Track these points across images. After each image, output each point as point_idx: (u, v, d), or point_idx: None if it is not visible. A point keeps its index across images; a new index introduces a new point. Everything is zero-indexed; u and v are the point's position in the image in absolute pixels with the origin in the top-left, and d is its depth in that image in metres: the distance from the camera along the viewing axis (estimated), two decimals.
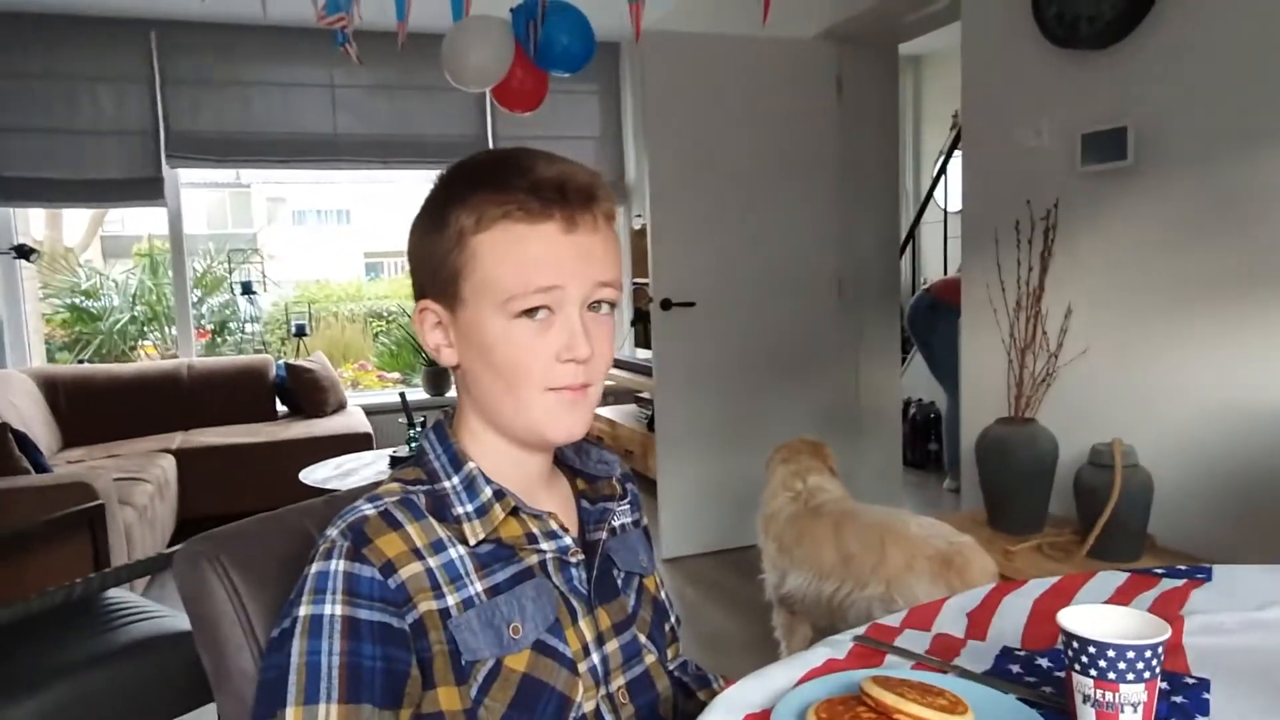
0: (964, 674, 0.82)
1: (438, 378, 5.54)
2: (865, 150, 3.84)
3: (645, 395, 4.81)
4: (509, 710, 0.73)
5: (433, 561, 0.75)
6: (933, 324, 4.14)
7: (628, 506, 0.96)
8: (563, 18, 3.00)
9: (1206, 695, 0.78)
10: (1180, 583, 1.04)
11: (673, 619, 0.98)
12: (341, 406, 4.96)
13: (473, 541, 0.78)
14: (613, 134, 5.65)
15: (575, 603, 0.81)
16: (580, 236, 0.77)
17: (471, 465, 0.82)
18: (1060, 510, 2.49)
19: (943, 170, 5.31)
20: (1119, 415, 2.42)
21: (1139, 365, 2.38)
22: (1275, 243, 2.04)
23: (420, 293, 0.82)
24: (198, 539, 0.84)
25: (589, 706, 0.78)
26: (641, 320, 5.26)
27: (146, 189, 4.81)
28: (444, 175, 0.81)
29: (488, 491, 0.80)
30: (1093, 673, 0.70)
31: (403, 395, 3.75)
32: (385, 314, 8.12)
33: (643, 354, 5.09)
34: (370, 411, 4.99)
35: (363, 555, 0.72)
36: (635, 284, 5.37)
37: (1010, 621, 0.95)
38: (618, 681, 0.83)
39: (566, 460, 0.93)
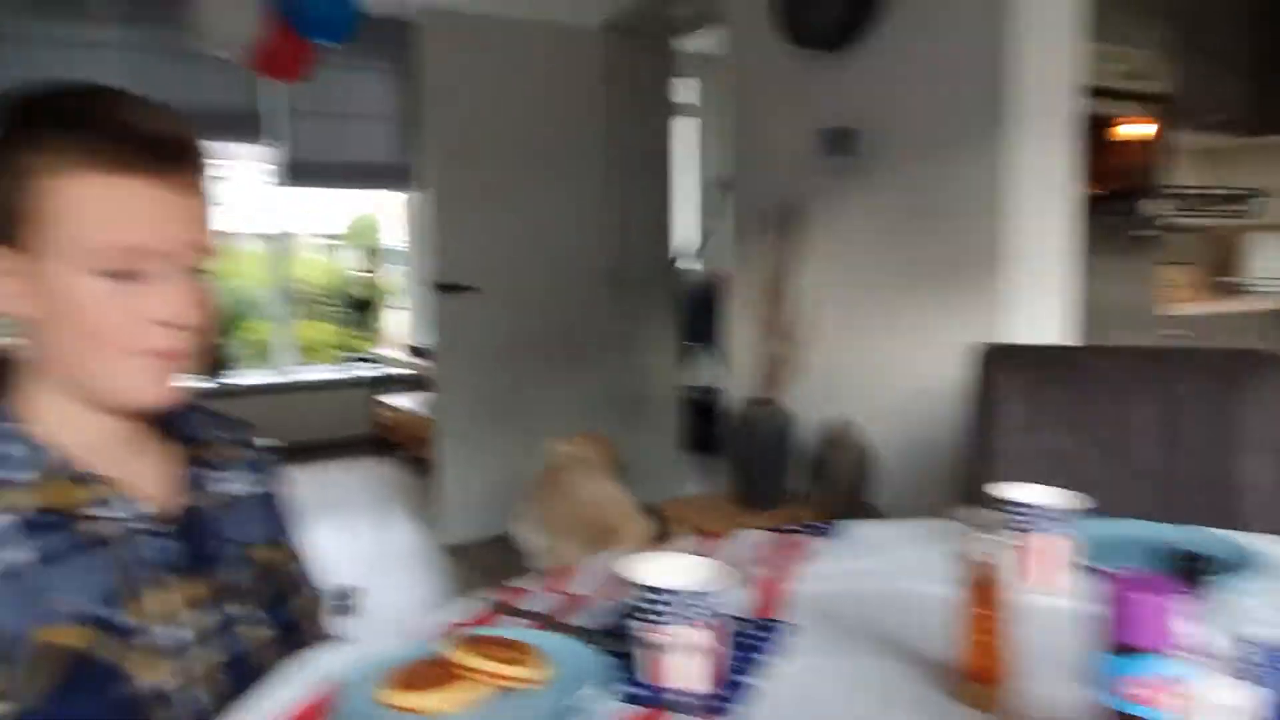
0: (566, 630, 0.85)
1: (215, 362, 5.19)
2: (639, 143, 3.91)
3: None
4: (60, 689, 0.68)
5: None
6: (706, 313, 4.29)
7: (247, 474, 0.92)
8: None
9: (789, 637, 0.84)
10: (811, 538, 1.13)
11: (311, 593, 0.95)
12: None
13: (22, 511, 0.72)
14: (411, 116, 5.47)
15: (154, 574, 0.77)
16: (175, 195, 0.73)
17: (20, 427, 0.75)
18: (802, 487, 2.64)
19: None
20: (850, 395, 2.59)
21: (864, 348, 2.56)
22: (961, 241, 2.25)
23: None
24: None
25: (173, 684, 0.74)
26: None
27: None
28: (17, 105, 0.74)
29: (44, 459, 0.74)
30: (651, 619, 0.73)
31: None
32: None
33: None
34: None
35: None
36: None
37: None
38: (212, 657, 0.79)
39: (180, 425, 0.87)
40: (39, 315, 0.74)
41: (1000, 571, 0.71)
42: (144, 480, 0.80)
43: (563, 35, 3.62)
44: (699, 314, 4.40)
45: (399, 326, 6.16)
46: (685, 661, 0.73)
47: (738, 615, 0.89)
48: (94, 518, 0.75)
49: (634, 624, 0.74)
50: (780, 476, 2.59)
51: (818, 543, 1.11)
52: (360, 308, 6.37)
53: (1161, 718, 0.45)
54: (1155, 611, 0.45)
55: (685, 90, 4.97)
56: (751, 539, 1.12)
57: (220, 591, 0.82)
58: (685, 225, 4.97)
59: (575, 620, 0.88)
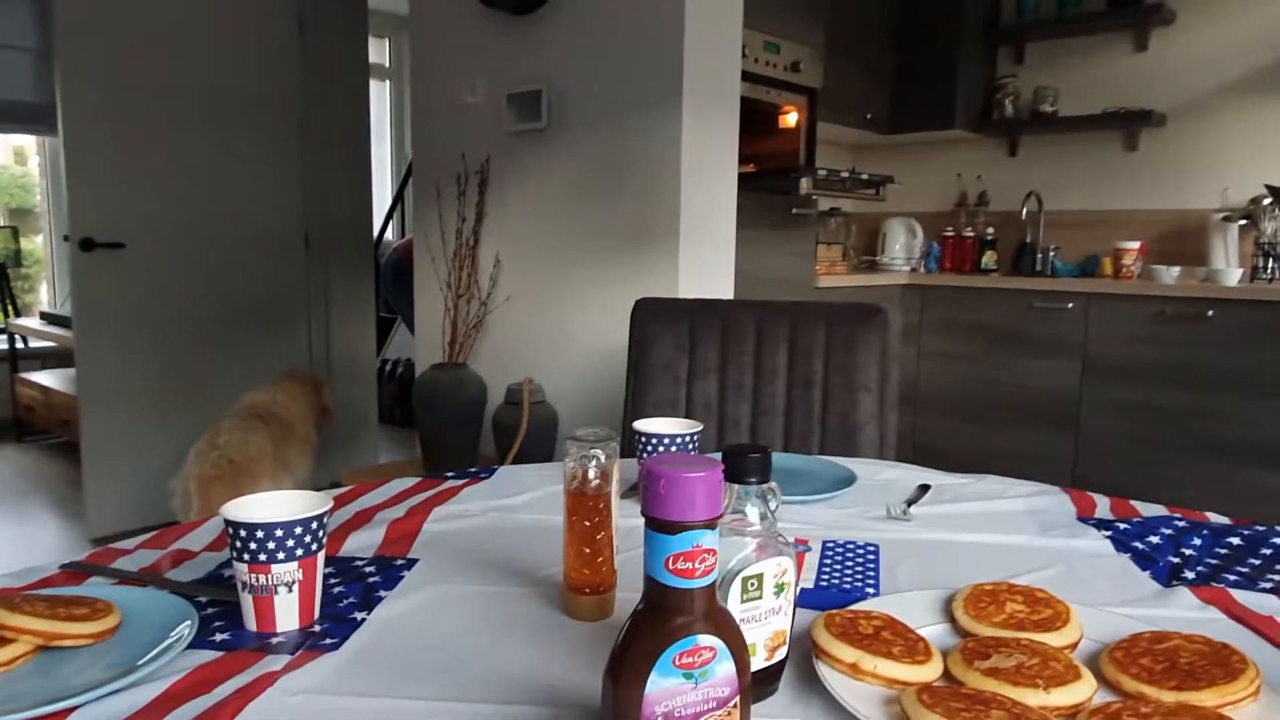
0: (159, 584, 0.76)
1: None
2: (333, 103, 3.68)
3: None
4: None
5: None
6: (399, 283, 4.18)
7: None
8: None
9: (408, 572, 0.82)
10: (462, 482, 1.11)
11: None
12: None
13: None
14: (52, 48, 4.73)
15: None
16: None
17: None
18: (492, 448, 2.63)
19: None
20: (536, 357, 2.62)
21: (549, 310, 2.60)
22: (644, 204, 2.35)
23: None
24: None
25: None
26: None
27: None
28: None
29: None
30: (245, 558, 0.68)
31: None
32: None
33: None
34: None
35: None
36: None
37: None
38: None
39: None
40: None
41: (596, 485, 0.74)
42: None
43: None
44: (395, 285, 4.26)
45: (40, 296, 5.36)
46: (285, 599, 0.68)
47: (355, 556, 0.85)
48: None
49: (237, 566, 0.68)
50: (470, 440, 2.57)
51: (468, 486, 1.09)
52: None
53: (695, 585, 0.49)
54: (689, 487, 0.47)
55: (376, 51, 4.76)
56: (401, 487, 1.08)
57: None
58: (379, 193, 4.78)
59: (173, 575, 0.80)
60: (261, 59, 3.40)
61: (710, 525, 0.48)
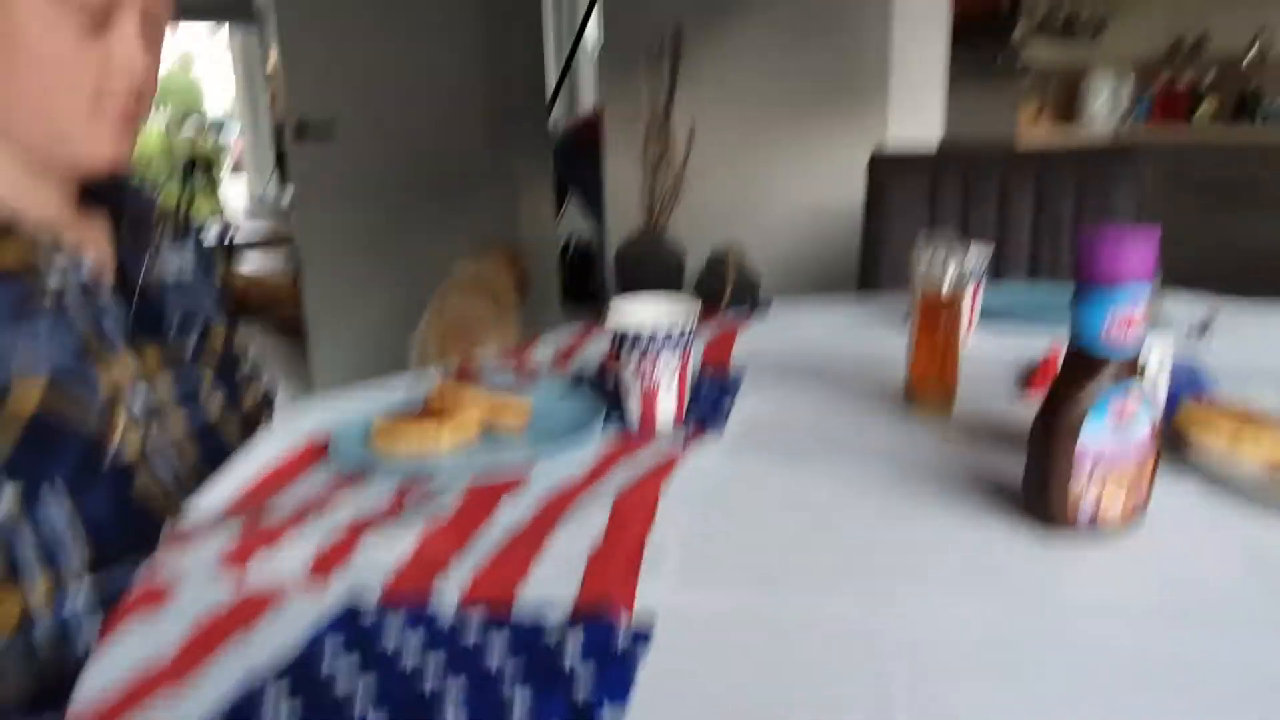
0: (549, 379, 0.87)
1: None
2: None
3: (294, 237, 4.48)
4: (16, 453, 0.64)
5: None
6: (573, 166, 4.24)
7: (185, 254, 0.87)
8: None
9: (740, 382, 0.90)
10: (739, 316, 1.18)
11: (246, 369, 0.92)
12: None
13: None
14: None
15: (109, 339, 0.73)
16: None
17: None
18: None
19: (590, 9, 5.31)
20: (735, 221, 2.65)
21: (748, 174, 2.61)
22: (850, 55, 2.29)
23: None
24: None
25: (132, 452, 0.72)
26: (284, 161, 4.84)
27: None
28: None
29: None
30: (629, 360, 0.76)
31: None
32: None
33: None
34: None
35: None
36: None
37: (590, 357, 1.01)
38: (176, 429, 0.77)
39: (119, 200, 0.82)
40: None
41: (947, 290, 0.78)
42: (88, 248, 0.75)
43: None
44: (566, 163, 4.33)
45: (238, 190, 5.77)
46: (665, 396, 0.77)
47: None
48: (46, 277, 0.70)
49: (617, 367, 0.77)
50: None
51: (750, 320, 1.16)
52: (194, 173, 5.89)
53: (1129, 350, 0.53)
54: (1123, 249, 0.51)
55: None
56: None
57: (172, 362, 0.79)
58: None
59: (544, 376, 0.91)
60: None
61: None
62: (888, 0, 2.20)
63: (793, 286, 2.54)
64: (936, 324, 0.79)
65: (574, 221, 5.05)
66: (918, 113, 2.33)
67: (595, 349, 1.03)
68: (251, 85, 5.02)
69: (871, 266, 1.59)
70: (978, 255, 1.02)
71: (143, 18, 0.70)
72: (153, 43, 0.72)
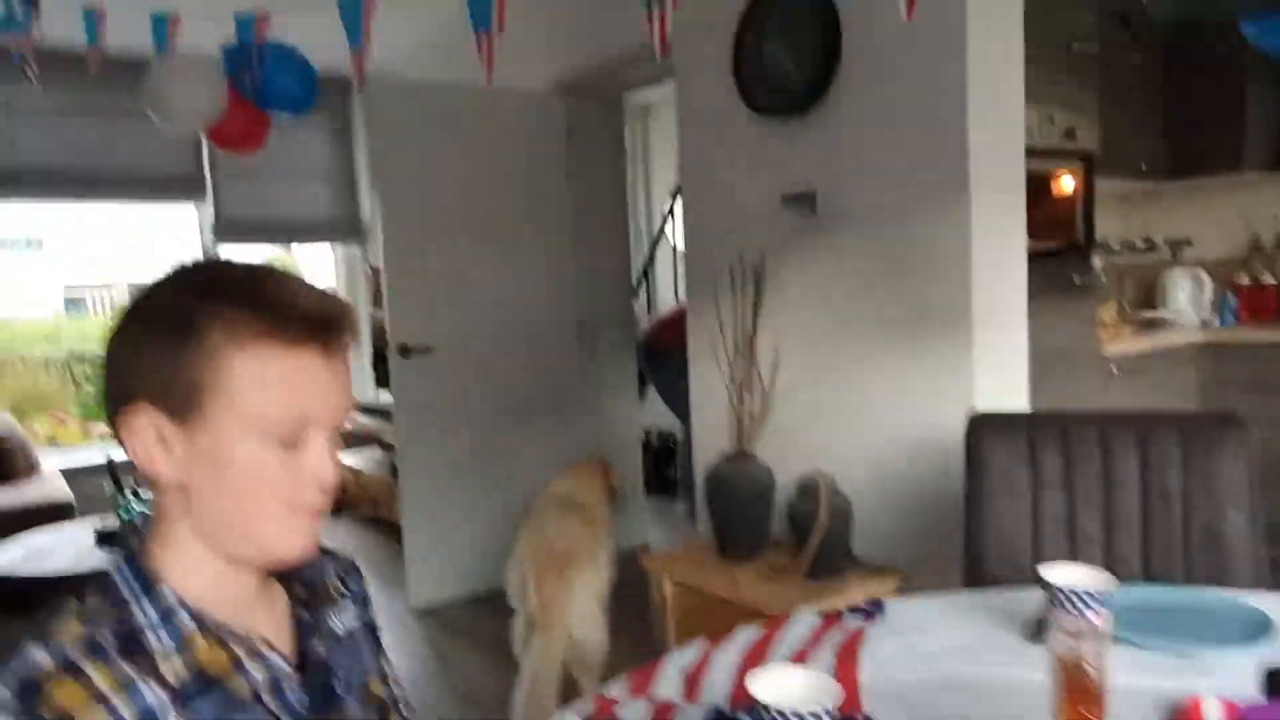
0: None
1: None
2: (596, 195, 4.01)
3: (388, 440, 4.67)
4: None
5: (124, 709, 0.70)
6: (654, 367, 4.39)
7: (351, 609, 0.95)
8: (279, 58, 2.87)
9: None
10: (859, 621, 1.20)
11: (401, 710, 0.98)
12: (34, 470, 4.38)
13: (173, 681, 0.74)
14: (345, 171, 5.45)
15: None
16: (335, 365, 0.79)
17: (167, 592, 0.77)
18: (777, 535, 2.73)
19: (671, 210, 5.63)
20: (821, 445, 2.70)
21: (835, 399, 2.68)
22: (930, 295, 2.38)
23: (126, 396, 0.76)
24: None
25: None
26: (382, 361, 5.10)
27: None
28: (185, 278, 0.78)
29: (187, 622, 0.76)
30: None
31: (110, 462, 3.37)
32: (89, 357, 7.27)
33: (385, 396, 4.94)
34: (72, 474, 4.43)
35: (37, 715, 0.66)
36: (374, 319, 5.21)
37: (719, 680, 1.05)
38: None
39: (293, 569, 0.90)
40: (195, 479, 0.76)
41: (1088, 664, 0.80)
42: (271, 629, 0.83)
43: (517, 98, 3.68)
44: (647, 361, 4.49)
45: None
46: None
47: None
48: (239, 676, 0.77)
49: None
50: (762, 529, 2.68)
51: (870, 627, 1.18)
52: None
53: None
54: None
55: None
56: (809, 628, 1.19)
57: None
58: None
59: None
60: (538, 168, 3.77)
61: None
62: (967, 237, 2.31)
63: (886, 518, 2.55)
64: (1082, 695, 0.80)
65: (654, 410, 5.16)
66: (1001, 336, 2.39)
67: (722, 667, 1.06)
68: (353, 292, 5.38)
69: (976, 531, 1.60)
70: (1099, 584, 1.03)
71: (329, 432, 0.80)
72: (335, 446, 0.81)
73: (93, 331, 8.21)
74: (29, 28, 3.30)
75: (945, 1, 2.26)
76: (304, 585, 0.91)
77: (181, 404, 0.75)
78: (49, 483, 4.23)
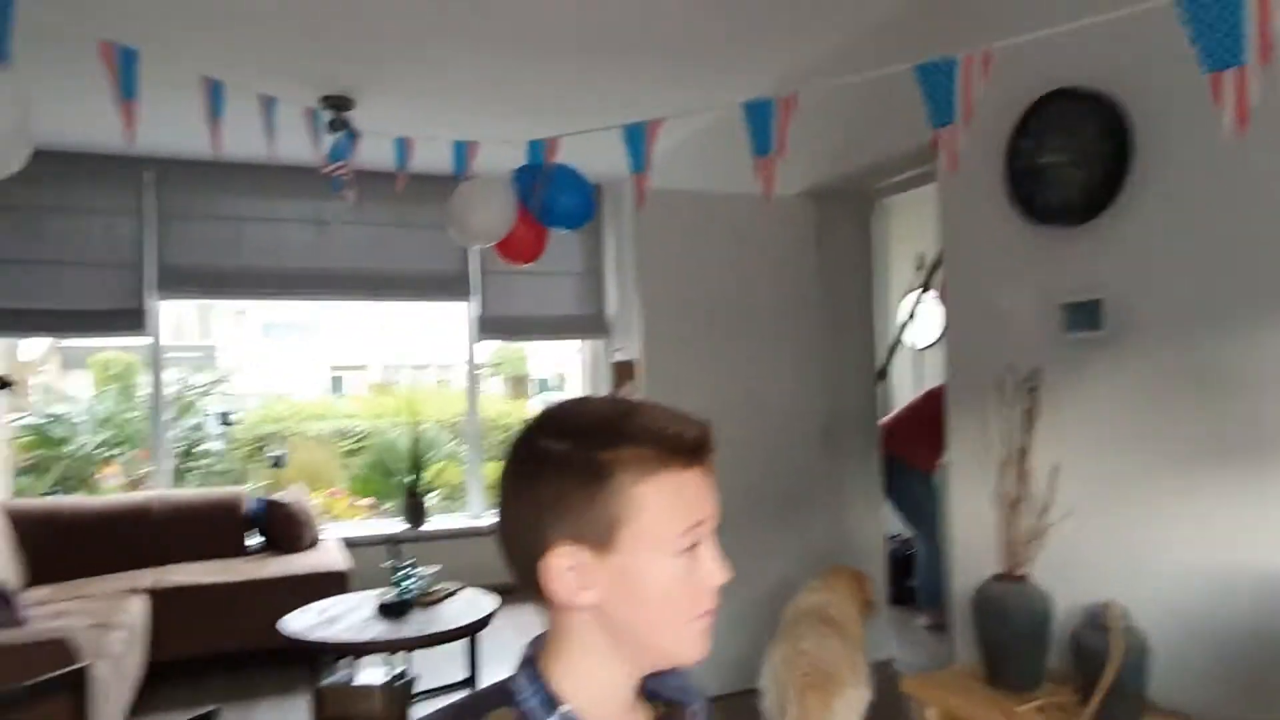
0: None
1: (416, 507, 5.48)
2: (843, 296, 4.02)
3: None
4: None
5: None
6: (888, 477, 4.25)
7: None
8: (565, 178, 3.15)
9: None
10: None
11: None
12: (316, 541, 4.87)
13: None
14: (594, 269, 5.82)
15: None
16: (710, 476, 0.90)
17: (568, 709, 0.85)
18: (1055, 666, 2.53)
19: (913, 313, 5.52)
20: (1107, 573, 2.50)
21: (1124, 524, 2.48)
22: (1245, 415, 2.18)
23: (546, 542, 0.85)
24: None
25: None
26: None
27: (130, 319, 4.83)
28: (563, 425, 0.88)
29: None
30: None
31: (393, 539, 3.71)
32: (353, 433, 8.04)
33: None
34: (348, 545, 4.90)
35: None
36: None
37: None
38: None
39: (645, 684, 0.97)
40: (609, 600, 0.86)
41: None
42: None
43: (771, 204, 3.78)
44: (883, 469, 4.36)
45: None
46: None
47: None
48: None
49: None
50: (1038, 659, 2.50)
51: None
52: None
53: None
54: None
55: None
56: None
57: None
58: None
59: None
60: (788, 269, 3.84)
61: None
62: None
63: (1185, 658, 2.31)
64: None
65: (890, 516, 4.99)
66: None
67: None
68: (597, 383, 5.66)
69: None
70: None
71: (713, 537, 0.88)
72: (717, 546, 0.89)
73: (353, 410, 9.10)
74: (350, 154, 3.83)
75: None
76: (664, 701, 0.96)
77: (599, 539, 0.84)
78: (331, 553, 4.69)
